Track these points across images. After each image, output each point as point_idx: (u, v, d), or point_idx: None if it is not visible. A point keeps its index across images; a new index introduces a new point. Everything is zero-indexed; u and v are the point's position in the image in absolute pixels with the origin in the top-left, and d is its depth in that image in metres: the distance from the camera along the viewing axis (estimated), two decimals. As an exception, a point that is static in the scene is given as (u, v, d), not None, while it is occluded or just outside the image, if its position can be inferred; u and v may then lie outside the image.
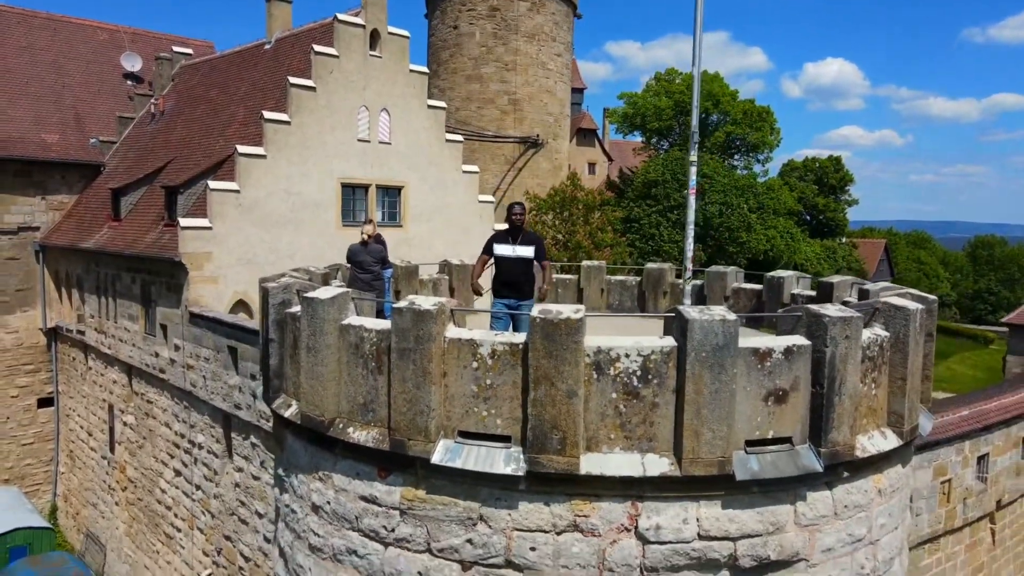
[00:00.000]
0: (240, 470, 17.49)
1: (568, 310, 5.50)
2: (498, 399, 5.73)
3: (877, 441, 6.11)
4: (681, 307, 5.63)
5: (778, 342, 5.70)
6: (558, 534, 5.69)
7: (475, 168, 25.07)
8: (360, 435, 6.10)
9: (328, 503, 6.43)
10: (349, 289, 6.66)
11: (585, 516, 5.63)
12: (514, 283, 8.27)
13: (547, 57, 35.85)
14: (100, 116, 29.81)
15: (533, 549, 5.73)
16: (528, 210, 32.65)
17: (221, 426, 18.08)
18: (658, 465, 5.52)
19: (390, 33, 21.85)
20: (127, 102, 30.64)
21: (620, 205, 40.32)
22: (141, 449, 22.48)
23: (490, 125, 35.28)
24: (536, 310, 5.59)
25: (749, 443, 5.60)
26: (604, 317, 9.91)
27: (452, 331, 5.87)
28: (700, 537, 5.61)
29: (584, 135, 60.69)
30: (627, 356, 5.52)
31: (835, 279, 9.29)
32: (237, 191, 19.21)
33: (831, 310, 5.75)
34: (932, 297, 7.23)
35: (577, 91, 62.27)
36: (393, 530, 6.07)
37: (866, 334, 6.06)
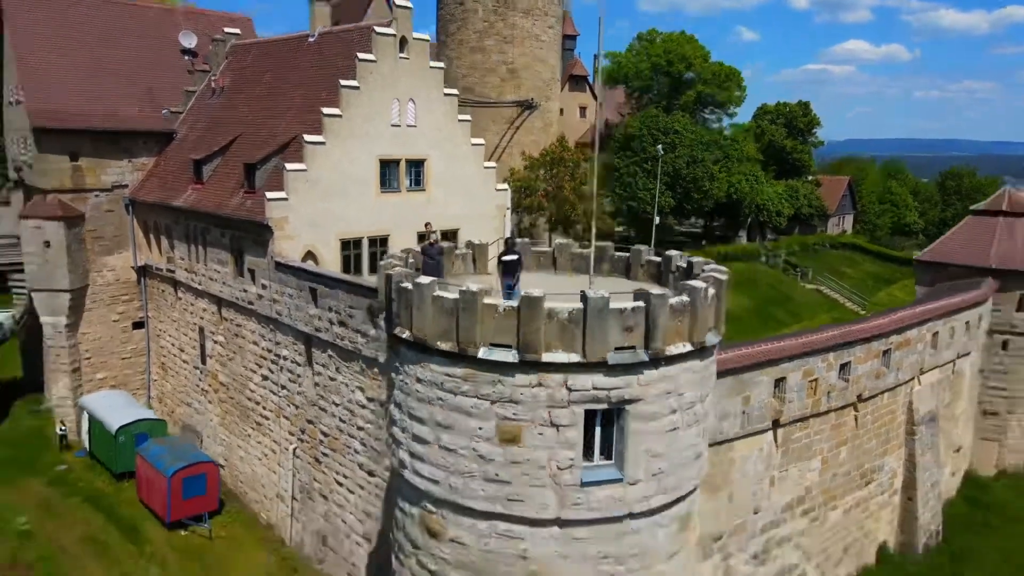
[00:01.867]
0: (319, 374, 24.62)
1: (537, 291, 12.54)
2: (507, 330, 12.84)
3: (680, 348, 13.30)
4: (584, 290, 12.73)
5: (630, 304, 12.78)
6: (532, 388, 12.93)
7: (481, 141, 31.51)
8: (444, 345, 13.28)
9: (427, 377, 13.68)
10: (436, 278, 13.71)
11: (545, 379, 12.85)
12: (512, 269, 15.40)
13: (540, 30, 41.52)
14: (166, 89, 35.60)
15: (522, 394, 12.98)
16: (524, 167, 39.21)
17: (303, 343, 25.06)
18: (576, 358, 12.71)
19: (415, 39, 27.96)
20: (186, 76, 36.47)
21: (602, 153, 46.76)
22: (231, 361, 29.59)
23: (492, 91, 41.33)
24: (523, 290, 12.64)
25: (616, 348, 12.75)
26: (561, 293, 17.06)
27: (486, 299, 12.95)
28: (594, 388, 12.87)
29: (576, 81, 65.83)
30: (563, 312, 12.61)
31: (697, 259, 16.32)
32: (305, 170, 25.82)
33: (655, 290, 12.82)
34: (724, 278, 14.28)
35: (569, 38, 66.92)
36: (459, 388, 13.33)
37: (675, 299, 13.13)
